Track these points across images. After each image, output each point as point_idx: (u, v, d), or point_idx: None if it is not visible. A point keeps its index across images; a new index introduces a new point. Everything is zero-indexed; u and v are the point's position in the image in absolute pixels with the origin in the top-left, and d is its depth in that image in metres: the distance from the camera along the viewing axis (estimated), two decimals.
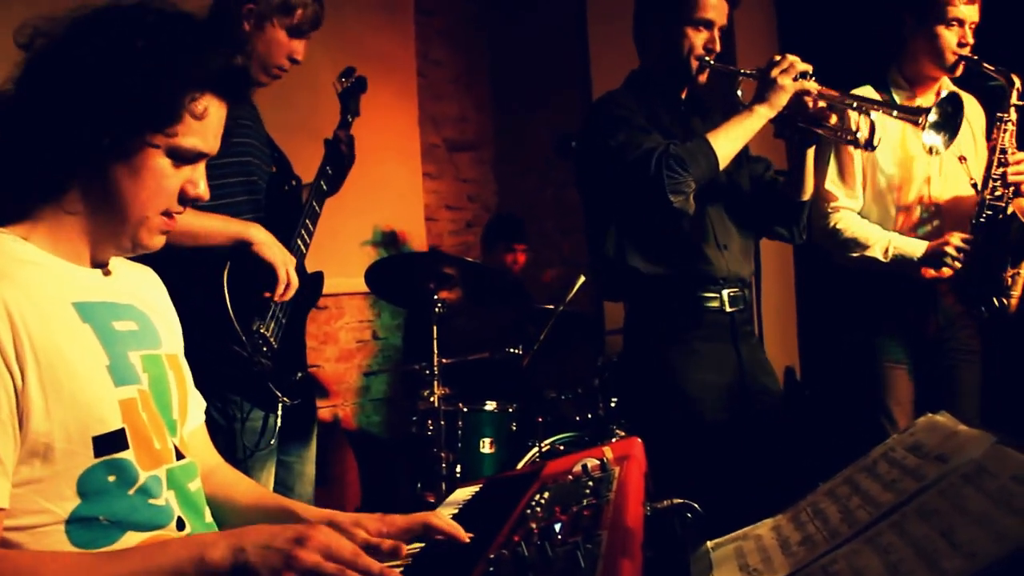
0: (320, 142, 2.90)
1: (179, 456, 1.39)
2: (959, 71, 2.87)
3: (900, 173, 2.95)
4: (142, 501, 1.29)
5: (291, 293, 2.41)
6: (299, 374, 2.58)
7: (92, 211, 1.33)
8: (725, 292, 2.57)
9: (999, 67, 2.78)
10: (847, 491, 1.05)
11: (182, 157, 1.34)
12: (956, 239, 2.78)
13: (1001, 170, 2.77)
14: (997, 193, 2.77)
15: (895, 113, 2.45)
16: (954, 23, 2.82)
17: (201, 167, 1.39)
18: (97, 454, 1.24)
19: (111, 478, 1.25)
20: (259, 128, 2.63)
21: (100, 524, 1.24)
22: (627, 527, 1.09)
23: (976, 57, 2.82)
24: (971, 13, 2.83)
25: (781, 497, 1.38)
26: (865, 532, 0.91)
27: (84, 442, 1.23)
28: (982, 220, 2.77)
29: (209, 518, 1.45)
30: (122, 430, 1.27)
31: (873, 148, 2.43)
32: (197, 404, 1.63)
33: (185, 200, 1.38)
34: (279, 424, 2.45)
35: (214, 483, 1.59)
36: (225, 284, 2.30)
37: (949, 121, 2.41)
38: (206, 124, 1.34)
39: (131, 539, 1.26)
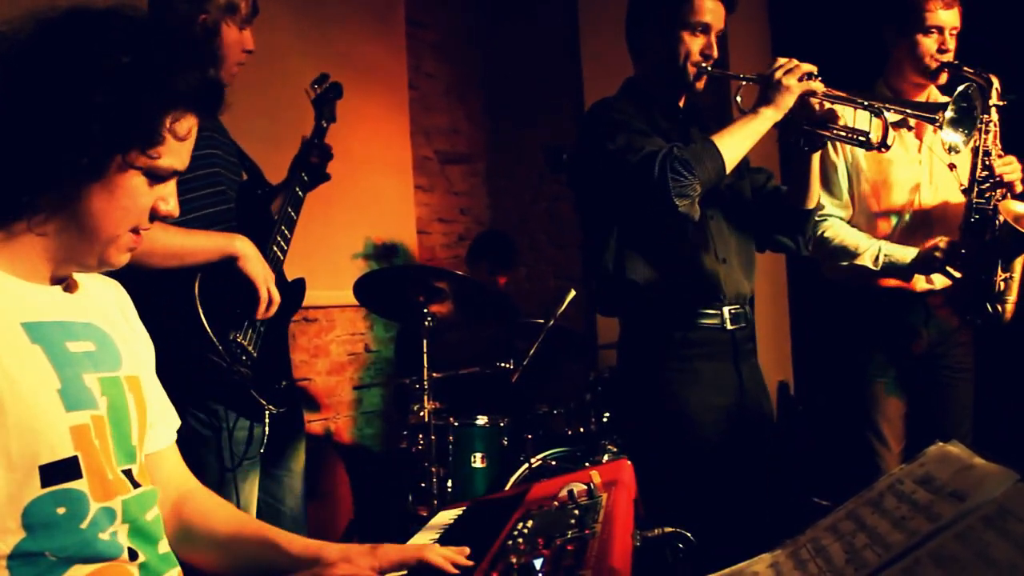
0: None
1: (135, 485, 1.31)
2: (941, 78, 2.85)
3: (880, 177, 2.92)
4: (93, 535, 1.21)
5: (273, 310, 2.40)
6: (283, 382, 2.55)
7: (58, 230, 1.25)
8: (726, 309, 2.47)
9: (977, 69, 2.74)
10: (851, 527, 0.97)
11: (158, 176, 1.27)
12: (944, 242, 2.74)
13: (985, 172, 2.73)
14: (985, 196, 2.72)
15: (909, 111, 2.35)
16: (933, 31, 2.81)
17: (172, 183, 1.32)
18: (45, 484, 1.16)
19: (60, 510, 1.17)
20: (224, 136, 2.59)
21: (46, 560, 1.16)
22: (612, 567, 1.01)
23: (956, 62, 2.80)
24: (950, 19, 2.81)
25: (778, 526, 1.31)
26: None
27: (30, 471, 1.15)
28: (970, 223, 2.73)
29: (165, 548, 1.37)
30: (74, 458, 1.19)
31: (887, 148, 2.30)
32: (167, 424, 1.55)
33: (156, 217, 1.31)
34: (267, 433, 2.42)
35: (191, 509, 1.52)
36: (196, 294, 2.27)
37: (966, 116, 2.31)
38: (183, 142, 1.28)
39: (78, 572, 1.19)
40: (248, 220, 2.56)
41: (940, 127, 2.26)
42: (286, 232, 2.62)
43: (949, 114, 2.26)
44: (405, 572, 1.36)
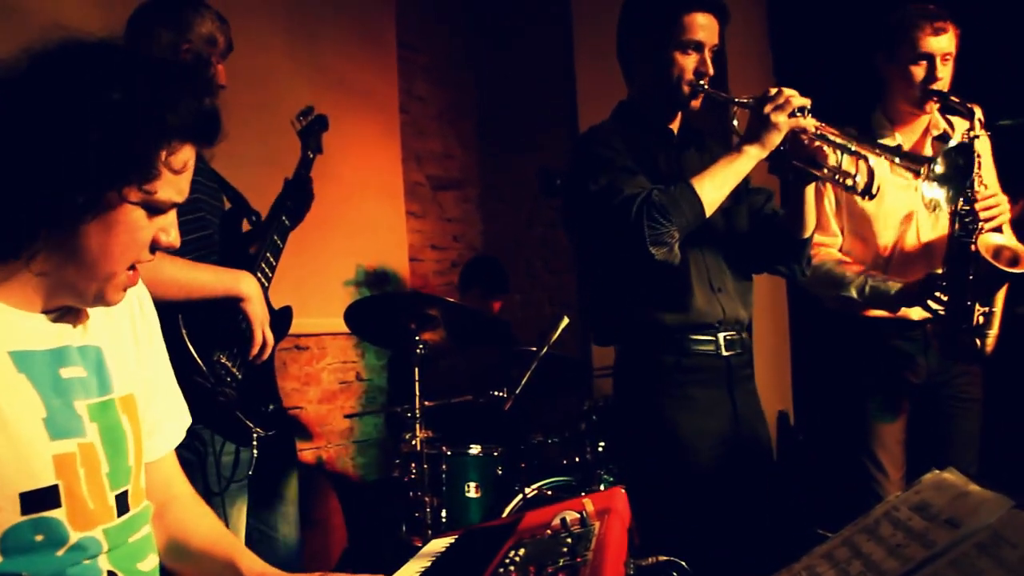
0: None
1: (125, 510, 1.30)
2: (929, 106, 2.82)
3: (874, 207, 2.86)
4: (70, 561, 1.21)
5: (267, 354, 2.43)
6: (271, 405, 2.54)
7: (56, 267, 1.23)
8: (721, 336, 2.45)
9: (962, 100, 2.70)
10: (847, 554, 0.95)
11: (158, 208, 1.26)
12: (925, 276, 2.72)
13: (967, 207, 2.67)
14: (967, 229, 2.67)
15: (896, 160, 2.25)
16: (922, 58, 2.77)
17: (172, 214, 1.31)
18: (25, 511, 1.16)
19: (38, 537, 1.17)
20: (202, 163, 2.58)
21: None
22: None
23: (943, 90, 2.75)
24: (941, 45, 2.76)
25: (773, 554, 1.30)
26: None
27: (10, 498, 1.15)
28: (952, 257, 2.69)
29: (151, 564, 1.37)
30: (55, 487, 1.19)
31: (872, 196, 2.28)
32: (165, 432, 1.55)
33: (156, 248, 1.30)
34: (255, 456, 2.39)
35: (170, 518, 1.54)
36: (179, 315, 2.26)
37: (956, 174, 2.25)
38: (181, 174, 1.27)
39: None
40: (231, 247, 2.57)
41: (923, 179, 2.17)
42: (271, 259, 2.63)
43: (938, 168, 2.18)
44: None
